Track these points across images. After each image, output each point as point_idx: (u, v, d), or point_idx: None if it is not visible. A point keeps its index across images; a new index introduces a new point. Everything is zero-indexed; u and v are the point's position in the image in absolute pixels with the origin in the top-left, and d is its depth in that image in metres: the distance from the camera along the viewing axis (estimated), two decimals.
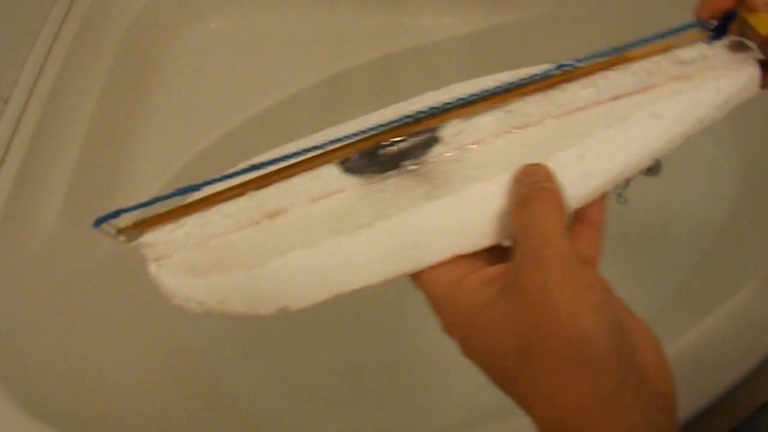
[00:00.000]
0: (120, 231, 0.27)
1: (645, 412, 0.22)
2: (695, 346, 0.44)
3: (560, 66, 0.31)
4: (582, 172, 0.28)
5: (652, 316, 0.66)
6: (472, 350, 0.25)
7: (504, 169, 0.28)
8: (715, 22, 0.31)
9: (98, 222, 0.26)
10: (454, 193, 0.28)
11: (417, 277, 0.27)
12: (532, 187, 0.26)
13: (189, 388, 0.65)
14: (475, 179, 0.28)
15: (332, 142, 0.30)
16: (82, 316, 0.55)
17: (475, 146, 0.30)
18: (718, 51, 0.32)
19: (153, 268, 0.27)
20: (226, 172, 0.29)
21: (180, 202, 0.28)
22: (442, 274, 0.26)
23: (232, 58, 0.81)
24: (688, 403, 0.42)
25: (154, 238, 0.27)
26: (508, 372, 0.23)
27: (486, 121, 0.30)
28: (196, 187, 0.28)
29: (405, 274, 0.27)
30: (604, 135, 0.29)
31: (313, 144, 0.30)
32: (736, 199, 0.73)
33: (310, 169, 0.29)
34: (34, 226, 0.55)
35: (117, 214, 0.27)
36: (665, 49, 0.32)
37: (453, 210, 0.27)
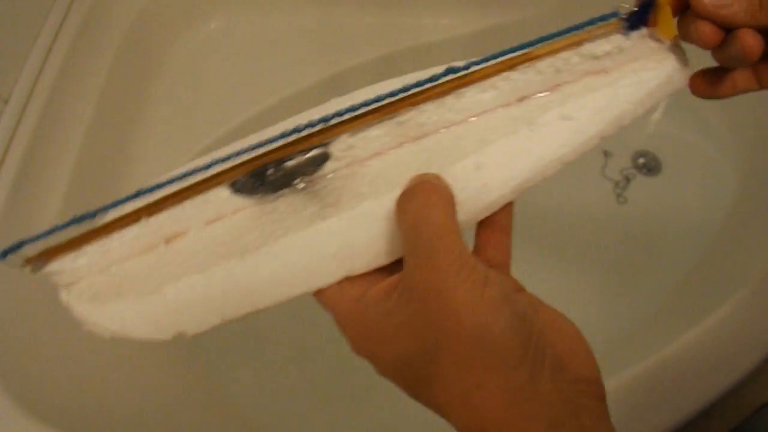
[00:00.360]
0: (27, 261, 0.27)
1: (567, 401, 0.21)
2: (695, 346, 0.44)
3: (450, 70, 0.28)
4: (480, 183, 0.26)
5: (652, 315, 0.66)
6: (383, 365, 0.24)
7: (396, 185, 0.26)
8: (631, 11, 0.28)
9: (3, 254, 0.27)
10: (343, 213, 0.27)
11: (320, 298, 0.26)
12: (415, 181, 0.25)
13: (189, 387, 0.65)
14: (365, 197, 0.27)
15: (220, 162, 0.28)
16: None
17: (369, 160, 0.28)
18: (637, 42, 0.29)
19: (63, 295, 0.28)
20: (118, 199, 0.28)
21: (84, 229, 0.28)
22: (343, 292, 0.26)
23: (232, 58, 0.81)
24: (688, 403, 0.42)
25: (59, 266, 0.27)
26: (420, 381, 0.23)
27: (377, 134, 0.28)
28: (93, 215, 0.28)
29: (295, 297, 0.26)
30: (506, 141, 0.27)
31: (203, 164, 0.29)
32: (736, 199, 0.74)
33: (199, 192, 0.28)
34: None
35: (21, 245, 0.27)
36: (576, 44, 0.29)
37: (341, 231, 0.26)
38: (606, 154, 0.79)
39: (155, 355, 0.61)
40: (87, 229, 0.27)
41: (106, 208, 0.28)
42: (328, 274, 0.26)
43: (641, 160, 0.83)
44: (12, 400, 0.43)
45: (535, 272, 0.76)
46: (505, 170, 0.27)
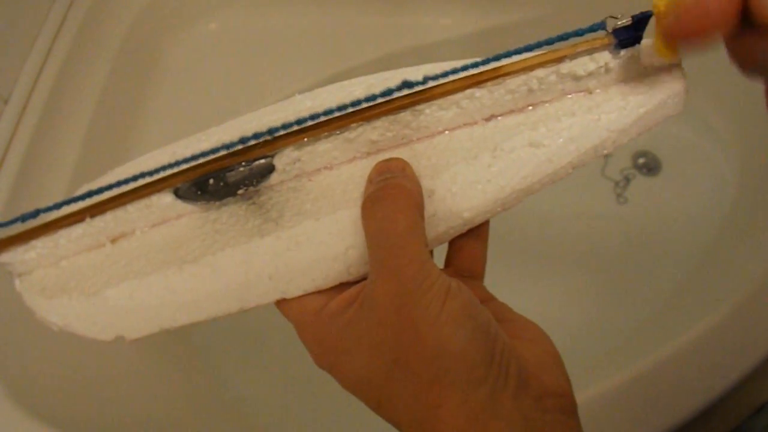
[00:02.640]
0: None
1: (530, 419, 0.20)
2: (695, 346, 0.44)
3: (406, 84, 0.25)
4: (429, 212, 0.24)
5: (652, 316, 0.66)
6: (343, 380, 0.23)
7: (339, 204, 0.25)
8: (621, 25, 0.24)
9: None
10: (282, 232, 0.25)
11: (281, 308, 0.26)
12: (381, 185, 0.24)
13: (189, 386, 0.65)
14: (306, 216, 0.26)
15: (165, 168, 0.27)
16: None
17: (317, 174, 0.27)
18: (627, 61, 0.25)
19: (17, 284, 0.28)
20: (65, 199, 0.28)
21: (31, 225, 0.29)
22: (304, 303, 0.25)
23: (232, 58, 0.81)
24: (688, 403, 0.42)
25: (10, 258, 0.28)
26: (382, 398, 0.22)
27: (325, 148, 0.26)
28: (38, 213, 0.28)
29: (231, 314, 0.26)
30: (464, 167, 0.25)
31: (149, 168, 0.28)
32: (736, 200, 0.74)
33: (141, 197, 0.27)
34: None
35: None
36: (555, 62, 0.25)
37: (278, 252, 0.25)
38: (606, 154, 0.80)
39: (156, 355, 0.61)
40: (34, 224, 0.28)
41: (52, 208, 0.28)
42: (264, 294, 0.25)
43: (641, 160, 0.83)
44: (12, 400, 0.43)
45: (534, 273, 0.76)
46: (459, 200, 0.25)
